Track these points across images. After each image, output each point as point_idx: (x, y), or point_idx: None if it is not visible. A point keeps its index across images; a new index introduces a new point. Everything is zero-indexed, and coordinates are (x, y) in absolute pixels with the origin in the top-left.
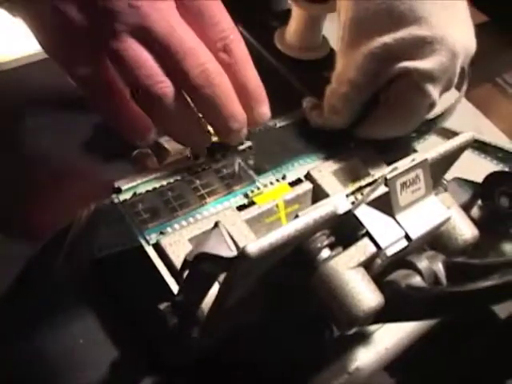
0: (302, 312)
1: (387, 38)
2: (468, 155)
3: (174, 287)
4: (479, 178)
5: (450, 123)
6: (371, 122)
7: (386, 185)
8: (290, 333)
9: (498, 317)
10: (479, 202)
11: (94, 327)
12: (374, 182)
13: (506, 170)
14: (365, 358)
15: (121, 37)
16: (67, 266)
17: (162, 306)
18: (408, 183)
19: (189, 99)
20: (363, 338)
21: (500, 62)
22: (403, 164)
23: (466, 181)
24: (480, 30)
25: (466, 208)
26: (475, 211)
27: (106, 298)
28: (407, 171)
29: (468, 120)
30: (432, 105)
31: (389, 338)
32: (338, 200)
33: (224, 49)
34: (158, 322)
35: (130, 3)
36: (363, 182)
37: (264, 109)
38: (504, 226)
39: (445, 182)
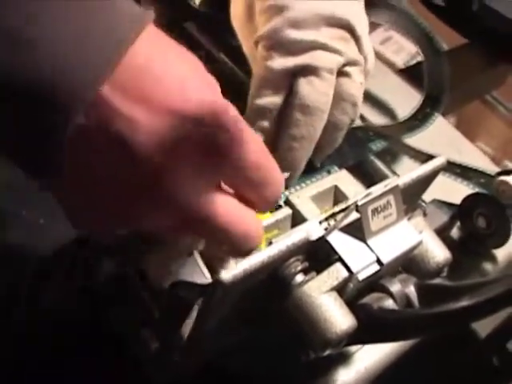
0: (282, 333)
1: None
2: (447, 177)
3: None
4: (458, 200)
5: (428, 144)
6: None
7: (358, 211)
8: (272, 353)
9: (478, 335)
10: (458, 223)
11: (82, 353)
12: (347, 208)
13: (483, 191)
14: (345, 377)
15: None
16: (55, 292)
17: (144, 330)
18: (379, 209)
19: None
20: (344, 358)
21: (485, 81)
22: (376, 190)
23: (445, 203)
24: (462, 51)
25: (445, 229)
26: (454, 232)
27: (92, 323)
28: (378, 197)
29: (447, 141)
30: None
31: (368, 357)
32: (311, 226)
33: None
34: (142, 346)
35: None
36: (336, 208)
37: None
38: (483, 246)
39: (423, 205)
